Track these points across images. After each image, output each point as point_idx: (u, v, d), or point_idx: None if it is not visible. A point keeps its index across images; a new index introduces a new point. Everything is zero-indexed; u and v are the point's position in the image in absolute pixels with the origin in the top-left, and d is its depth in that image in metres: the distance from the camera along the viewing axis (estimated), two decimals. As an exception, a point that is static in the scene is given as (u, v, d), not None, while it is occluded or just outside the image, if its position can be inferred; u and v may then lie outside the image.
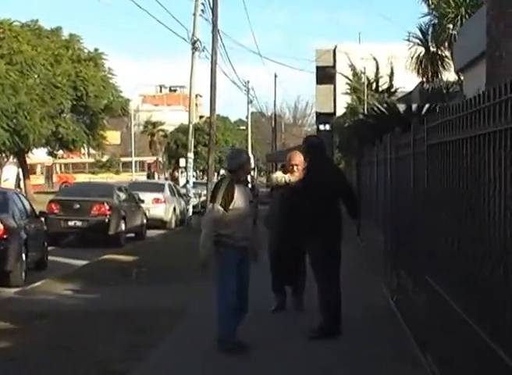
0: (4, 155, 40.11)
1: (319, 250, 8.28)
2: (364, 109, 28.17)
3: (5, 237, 12.48)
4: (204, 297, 10.60)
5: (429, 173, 7.53)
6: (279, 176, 9.89)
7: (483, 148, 5.00)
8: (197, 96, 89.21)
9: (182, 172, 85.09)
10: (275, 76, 58.78)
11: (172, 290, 11.91)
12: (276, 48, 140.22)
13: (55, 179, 63.07)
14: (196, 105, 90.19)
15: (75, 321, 9.42)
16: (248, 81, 51.00)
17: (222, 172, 63.11)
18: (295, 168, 9.55)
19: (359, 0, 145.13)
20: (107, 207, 19.95)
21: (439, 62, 26.00)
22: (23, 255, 13.13)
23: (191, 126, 26.92)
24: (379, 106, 21.34)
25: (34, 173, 60.54)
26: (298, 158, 9.55)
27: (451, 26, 22.14)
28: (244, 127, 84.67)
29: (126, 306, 10.38)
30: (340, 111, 37.51)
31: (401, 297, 9.92)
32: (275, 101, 61.69)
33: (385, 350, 7.69)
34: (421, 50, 26.51)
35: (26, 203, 14.84)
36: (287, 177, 9.66)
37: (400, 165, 10.91)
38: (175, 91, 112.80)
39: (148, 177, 56.03)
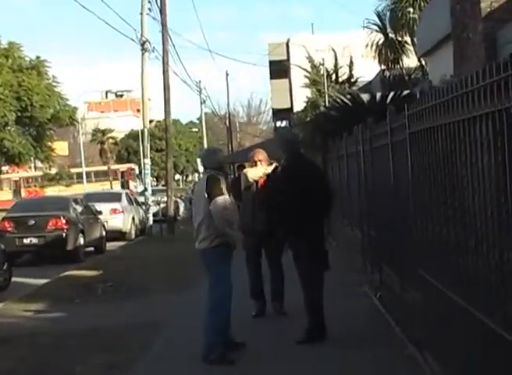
0: None
1: (304, 251, 7.85)
2: (325, 102, 27.37)
3: None
4: (175, 310, 10.51)
5: (413, 161, 7.17)
6: (251, 171, 9.39)
7: (475, 131, 4.70)
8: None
9: (136, 180, 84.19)
10: (227, 74, 57.80)
11: (141, 305, 11.47)
12: (226, 44, 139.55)
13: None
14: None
15: (43, 344, 8.84)
16: (200, 81, 49.95)
17: (178, 177, 62.48)
18: (259, 164, 9.31)
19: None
20: (63, 221, 19.16)
21: (399, 49, 25.33)
22: None
23: (146, 130, 25.90)
24: (342, 97, 20.64)
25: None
26: (262, 155, 9.40)
27: (411, 9, 21.44)
28: (197, 129, 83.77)
29: (95, 325, 9.86)
30: (298, 106, 36.76)
31: (385, 294, 9.66)
32: (228, 99, 60.96)
33: (378, 351, 7.32)
34: (380, 37, 25.80)
35: None
36: (261, 170, 9.26)
37: (376, 156, 10.62)
38: (121, 96, 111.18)
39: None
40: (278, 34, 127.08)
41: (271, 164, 9.39)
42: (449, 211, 5.57)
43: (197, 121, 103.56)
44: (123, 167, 64.58)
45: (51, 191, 54.63)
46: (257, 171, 9.27)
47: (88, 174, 61.74)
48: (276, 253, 9.08)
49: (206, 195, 7.24)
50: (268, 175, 9.12)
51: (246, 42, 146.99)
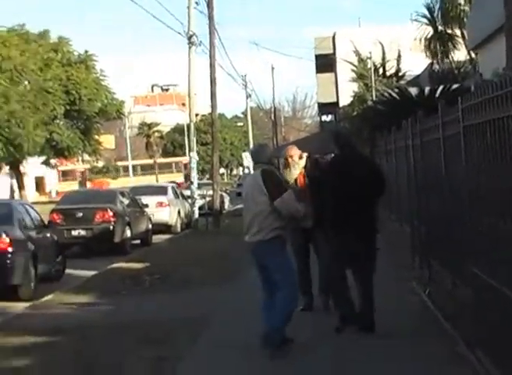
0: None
1: (346, 243, 7.80)
2: (372, 96, 27.12)
3: (10, 250, 12.16)
4: (224, 303, 10.48)
5: (468, 155, 7.04)
6: (288, 174, 9.23)
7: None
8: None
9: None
10: (272, 68, 57.53)
11: (188, 298, 11.42)
12: (272, 38, 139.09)
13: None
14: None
15: (94, 335, 8.90)
16: (246, 75, 49.85)
17: (223, 171, 62.18)
18: (290, 160, 9.29)
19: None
20: (111, 213, 19.25)
21: (449, 42, 24.96)
22: (32, 268, 12.69)
23: (192, 124, 25.90)
24: (390, 91, 20.45)
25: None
26: (293, 150, 9.45)
27: (462, 1, 21.11)
28: (242, 124, 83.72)
29: (144, 317, 9.89)
30: (344, 100, 36.46)
31: (435, 290, 9.48)
32: (273, 94, 60.56)
33: (428, 347, 7.16)
34: (429, 30, 25.46)
35: (34, 214, 14.31)
36: (296, 171, 9.19)
37: (426, 150, 10.41)
38: (167, 90, 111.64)
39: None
40: (324, 28, 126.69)
41: (301, 157, 9.33)
42: (505, 205, 5.44)
43: (242, 115, 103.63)
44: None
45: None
46: (293, 173, 9.20)
47: (134, 167, 62.27)
48: (324, 248, 8.85)
49: (265, 190, 7.23)
50: (305, 169, 9.14)
51: (291, 36, 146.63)
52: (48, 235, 14.56)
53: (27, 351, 8.30)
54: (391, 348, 7.28)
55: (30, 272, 12.60)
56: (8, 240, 12.15)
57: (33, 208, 14.83)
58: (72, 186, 60.46)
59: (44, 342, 8.74)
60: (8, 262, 12.08)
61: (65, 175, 68.19)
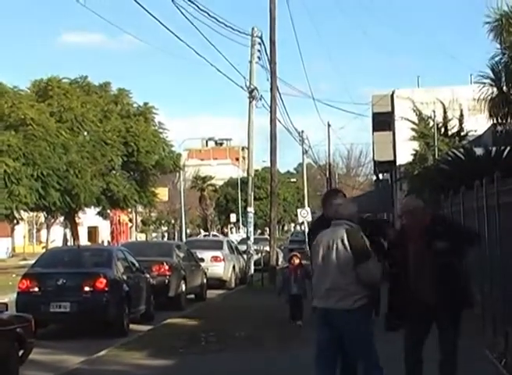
0: (52, 215, 39.34)
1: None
2: (434, 155, 26.73)
3: (106, 289, 13.88)
4: (283, 365, 10.16)
5: None
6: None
7: None
8: (243, 148, 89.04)
9: (232, 228, 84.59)
10: (329, 124, 57.64)
11: (247, 358, 11.06)
12: (328, 95, 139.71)
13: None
14: (243, 158, 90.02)
15: None
16: (303, 131, 49.96)
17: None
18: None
19: (414, 44, 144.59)
20: (166, 267, 18.98)
21: (513, 103, 24.48)
22: (126, 307, 14.32)
23: (251, 179, 25.70)
24: (455, 151, 20.05)
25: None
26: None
27: (531, 62, 20.71)
28: (295, 179, 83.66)
29: None
30: (401, 159, 36.07)
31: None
32: (328, 150, 60.51)
33: None
34: (492, 90, 25.04)
35: (131, 259, 16.05)
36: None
37: (504, 212, 9.96)
38: (221, 144, 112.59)
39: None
40: (382, 87, 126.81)
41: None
42: None
43: (294, 171, 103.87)
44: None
45: None
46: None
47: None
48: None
49: (350, 252, 6.58)
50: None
51: (347, 94, 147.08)
52: (142, 278, 16.13)
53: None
54: None
55: (124, 310, 14.28)
56: (105, 280, 13.91)
57: (130, 254, 16.43)
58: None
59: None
60: (105, 300, 13.83)
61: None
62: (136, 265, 16.26)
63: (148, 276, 16.97)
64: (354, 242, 6.60)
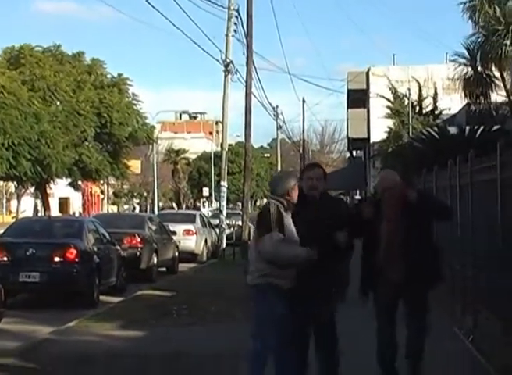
0: (23, 185, 38.99)
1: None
2: (409, 133, 26.84)
3: (76, 260, 13.85)
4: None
5: None
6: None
7: None
8: (217, 123, 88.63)
9: (204, 202, 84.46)
10: (303, 100, 57.52)
11: (217, 331, 11.17)
12: (303, 71, 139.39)
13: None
14: (217, 132, 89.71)
15: (125, 367, 8.58)
16: (277, 106, 49.86)
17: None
18: None
19: (390, 21, 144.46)
20: (138, 239, 18.95)
21: (488, 83, 24.65)
22: (96, 278, 14.26)
23: (225, 153, 25.61)
24: (429, 129, 20.16)
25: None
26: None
27: (508, 42, 20.81)
28: (268, 155, 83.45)
29: (176, 349, 9.47)
30: (375, 136, 36.24)
31: (480, 337, 9.04)
32: (303, 126, 60.46)
33: None
34: (467, 70, 25.16)
35: (102, 231, 15.93)
36: None
37: (477, 191, 10.04)
38: (195, 117, 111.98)
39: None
40: (354, 64, 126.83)
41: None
42: None
43: (268, 146, 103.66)
44: None
45: None
46: None
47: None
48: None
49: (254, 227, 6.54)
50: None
51: (323, 70, 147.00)
52: (112, 250, 16.01)
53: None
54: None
55: (95, 282, 14.23)
56: (75, 251, 13.84)
57: (101, 225, 16.29)
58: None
59: (67, 371, 8.42)
60: (75, 271, 13.77)
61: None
62: (107, 237, 16.17)
63: (119, 248, 16.90)
64: (259, 217, 6.52)
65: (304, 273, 6.41)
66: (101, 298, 14.85)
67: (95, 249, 14.95)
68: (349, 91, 44.15)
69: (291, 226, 6.43)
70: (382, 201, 7.07)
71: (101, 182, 60.07)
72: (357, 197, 47.27)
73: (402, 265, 6.89)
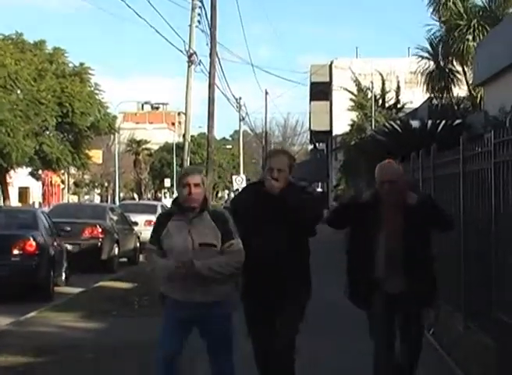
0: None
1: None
2: (371, 126, 26.98)
3: (36, 252, 13.53)
4: None
5: (497, 192, 6.83)
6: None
7: None
8: (179, 113, 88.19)
9: (166, 193, 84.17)
10: (266, 92, 57.48)
11: None
12: (266, 62, 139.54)
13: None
14: (179, 122, 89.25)
15: (85, 358, 8.46)
16: (240, 98, 49.77)
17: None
18: None
19: (354, 14, 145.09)
20: (99, 230, 18.76)
21: (450, 77, 24.90)
22: (51, 271, 14.04)
23: (187, 143, 25.52)
24: (392, 123, 20.28)
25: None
26: None
27: (470, 37, 21.04)
28: (230, 146, 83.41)
29: (137, 340, 9.43)
30: (337, 129, 36.41)
31: (441, 331, 9.05)
32: (265, 118, 60.41)
33: None
34: (429, 64, 25.39)
35: (50, 222, 15.46)
36: None
37: (439, 185, 10.12)
38: (157, 108, 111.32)
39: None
40: (318, 56, 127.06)
41: None
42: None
43: (230, 138, 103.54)
44: None
45: None
46: None
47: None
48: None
49: None
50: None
51: (286, 62, 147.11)
52: (61, 242, 15.62)
53: (6, 372, 7.83)
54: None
55: (51, 274, 13.91)
56: (35, 244, 13.51)
57: (49, 216, 15.89)
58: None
59: (25, 363, 8.23)
60: (35, 263, 13.41)
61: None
62: (54, 229, 15.59)
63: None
64: None
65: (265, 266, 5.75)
66: (62, 289, 14.72)
67: (50, 241, 14.57)
68: (312, 83, 44.29)
69: (175, 234, 5.47)
70: (379, 197, 5.99)
71: (62, 172, 59.50)
72: (319, 189, 47.51)
73: (403, 277, 5.92)
